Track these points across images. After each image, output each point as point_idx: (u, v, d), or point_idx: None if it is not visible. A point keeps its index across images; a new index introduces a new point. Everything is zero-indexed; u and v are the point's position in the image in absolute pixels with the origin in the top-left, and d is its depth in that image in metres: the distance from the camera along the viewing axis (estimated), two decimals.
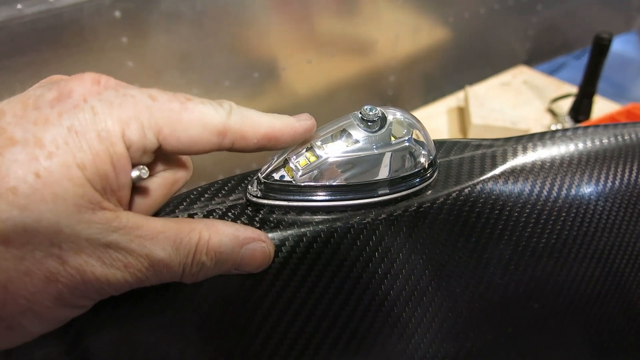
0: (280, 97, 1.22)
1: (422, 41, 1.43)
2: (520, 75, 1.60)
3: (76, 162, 0.23)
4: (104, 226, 0.24)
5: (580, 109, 1.35)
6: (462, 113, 1.41)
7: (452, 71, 1.58)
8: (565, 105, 1.42)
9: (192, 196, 0.34)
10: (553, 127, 1.35)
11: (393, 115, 0.35)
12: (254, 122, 0.28)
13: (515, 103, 1.46)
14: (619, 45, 2.71)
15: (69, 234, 0.23)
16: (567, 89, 1.50)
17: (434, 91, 1.55)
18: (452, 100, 1.47)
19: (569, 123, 1.35)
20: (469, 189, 0.36)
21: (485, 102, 1.36)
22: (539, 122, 1.39)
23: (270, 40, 1.14)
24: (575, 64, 2.33)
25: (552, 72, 2.20)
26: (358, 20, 1.27)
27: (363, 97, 1.40)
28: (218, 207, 0.33)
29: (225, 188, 0.35)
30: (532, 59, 1.83)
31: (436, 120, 1.40)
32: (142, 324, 0.30)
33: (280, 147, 0.30)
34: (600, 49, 1.27)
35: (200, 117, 0.27)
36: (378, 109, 0.34)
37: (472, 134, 1.28)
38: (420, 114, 1.42)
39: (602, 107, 1.44)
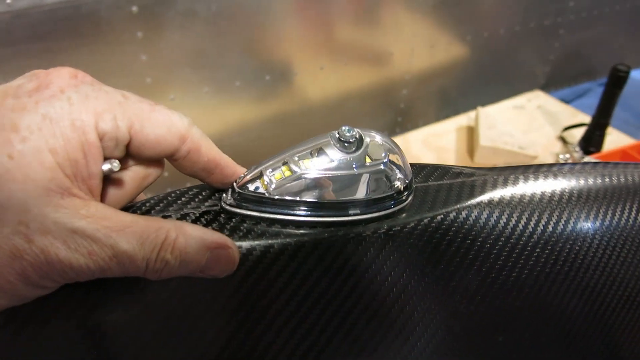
0: (290, 101, 1.23)
1: (438, 57, 1.43)
2: (536, 100, 1.59)
3: (48, 147, 0.25)
4: (71, 212, 0.25)
5: (592, 140, 1.34)
6: (471, 133, 1.41)
7: (466, 90, 1.57)
8: (578, 134, 1.41)
9: (169, 198, 0.35)
10: (561, 157, 1.35)
11: (371, 138, 0.35)
12: (209, 142, 0.31)
13: (527, 128, 1.45)
14: None
15: (37, 214, 0.24)
16: (582, 118, 1.49)
17: (446, 108, 1.55)
18: (464, 119, 1.47)
19: (578, 153, 1.34)
20: (442, 216, 0.37)
21: (496, 124, 1.36)
22: (548, 149, 1.38)
23: (284, 44, 1.15)
24: (599, 90, 2.30)
25: (575, 98, 2.18)
26: (375, 31, 1.27)
27: (374, 107, 1.40)
28: (192, 211, 0.34)
29: (202, 194, 0.35)
30: (551, 84, 1.82)
31: (445, 137, 1.40)
32: (107, 313, 0.31)
33: (219, 180, 0.33)
34: (616, 80, 1.26)
35: (167, 119, 0.29)
36: (356, 130, 0.35)
37: (479, 155, 1.28)
38: (430, 130, 1.42)
39: (615, 139, 1.43)
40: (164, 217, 0.33)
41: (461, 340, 0.39)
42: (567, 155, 1.35)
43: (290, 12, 1.10)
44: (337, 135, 0.34)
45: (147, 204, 0.34)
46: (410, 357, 0.37)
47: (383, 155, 0.35)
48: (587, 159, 1.31)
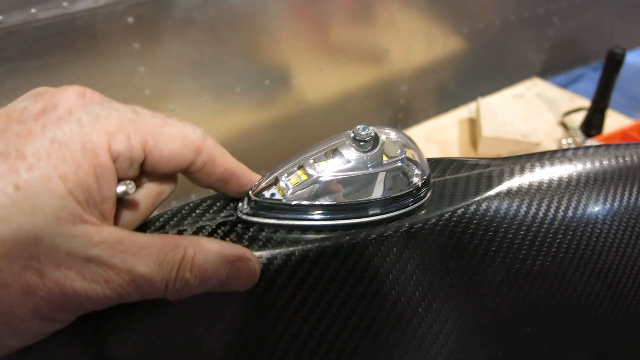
0: (291, 105, 1.23)
1: (435, 51, 1.43)
2: (534, 88, 1.59)
3: (58, 173, 0.23)
4: (84, 240, 0.24)
5: (592, 123, 1.34)
6: (473, 124, 1.41)
7: (465, 82, 1.57)
8: (578, 118, 1.40)
9: (183, 212, 0.34)
10: (564, 142, 1.34)
11: (386, 135, 0.35)
12: (224, 152, 0.30)
13: (528, 116, 1.45)
14: (638, 58, 2.68)
15: (48, 246, 0.23)
16: (581, 102, 1.49)
17: (446, 102, 1.54)
18: (464, 112, 1.47)
19: (580, 137, 1.34)
20: (463, 209, 0.36)
21: (497, 114, 1.35)
22: (551, 135, 1.38)
23: (283, 48, 1.14)
24: (593, 75, 2.30)
25: (569, 84, 2.17)
26: (371, 29, 1.27)
27: (374, 106, 1.40)
28: (208, 223, 0.33)
29: (217, 204, 0.35)
30: (547, 71, 1.82)
31: (447, 131, 1.40)
32: (127, 340, 0.30)
33: (235, 190, 0.32)
34: (613, 63, 1.26)
35: (180, 133, 0.28)
36: (371, 128, 0.34)
37: (483, 146, 1.27)
38: (432, 124, 1.42)
39: (615, 121, 1.42)
40: (179, 231, 0.32)
41: (490, 333, 0.38)
42: (570, 140, 1.34)
43: (286, 15, 1.10)
44: (352, 135, 0.34)
45: (161, 219, 0.33)
46: (441, 355, 0.37)
47: (399, 152, 0.34)
48: (589, 142, 1.31)
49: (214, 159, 0.30)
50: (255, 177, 0.33)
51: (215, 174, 0.30)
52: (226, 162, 0.30)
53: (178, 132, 0.28)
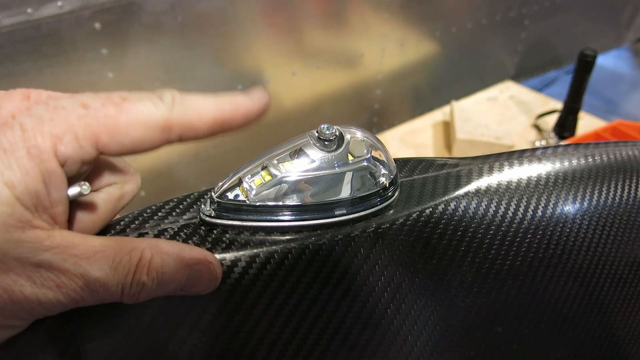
0: None
1: (408, 55, 1.43)
2: (507, 90, 1.60)
3: (4, 180, 0.23)
4: (34, 245, 0.23)
5: (565, 125, 1.35)
6: (447, 127, 1.41)
7: (439, 85, 1.58)
8: (551, 121, 1.42)
9: (145, 215, 0.33)
10: (537, 144, 1.36)
11: (352, 134, 0.34)
12: (200, 110, 0.26)
13: (501, 118, 1.46)
14: (610, 61, 2.73)
15: None
16: (554, 105, 1.50)
17: (421, 105, 1.55)
18: (439, 115, 1.47)
19: (553, 139, 1.35)
20: (431, 209, 0.36)
21: (471, 116, 1.36)
22: (524, 137, 1.39)
23: (255, 52, 1.13)
24: (566, 78, 2.34)
25: (543, 87, 2.20)
26: (344, 33, 1.27)
27: (349, 110, 1.40)
28: (170, 226, 0.32)
29: (180, 207, 0.34)
30: (521, 74, 1.84)
31: (422, 134, 1.40)
32: (85, 346, 0.29)
33: (236, 129, 0.28)
34: (584, 65, 1.28)
35: (139, 117, 0.25)
36: (335, 127, 0.33)
37: (457, 149, 1.28)
38: (406, 127, 1.42)
39: (588, 123, 1.44)
40: (140, 234, 0.31)
41: (460, 334, 0.38)
42: (543, 142, 1.36)
43: (257, 20, 1.09)
44: (317, 134, 0.33)
45: (122, 223, 0.32)
46: (412, 357, 0.36)
47: (365, 151, 0.34)
48: (563, 144, 1.32)
49: (190, 126, 0.26)
50: (251, 107, 0.28)
51: (200, 135, 0.27)
52: (207, 120, 0.27)
53: (136, 117, 0.25)
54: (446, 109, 1.48)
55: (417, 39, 1.42)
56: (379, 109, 1.46)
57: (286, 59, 1.18)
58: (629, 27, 2.21)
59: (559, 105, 1.47)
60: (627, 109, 2.53)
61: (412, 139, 1.37)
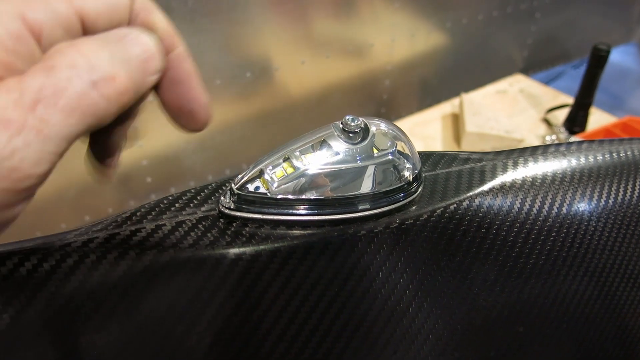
0: (272, 97, 1.20)
1: (418, 46, 1.41)
2: (517, 84, 1.58)
3: None
4: None
5: (576, 121, 1.34)
6: (456, 120, 1.40)
7: (448, 77, 1.56)
8: (561, 115, 1.41)
9: (162, 205, 0.32)
10: (547, 138, 1.34)
11: (376, 126, 0.33)
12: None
13: (511, 112, 1.45)
14: (618, 56, 2.71)
15: None
16: (564, 99, 1.49)
17: (429, 97, 1.53)
18: (447, 107, 1.46)
19: (563, 134, 1.34)
20: (455, 205, 0.35)
21: (480, 109, 1.34)
22: (534, 132, 1.38)
23: (264, 40, 1.12)
24: (573, 73, 2.32)
25: (549, 81, 2.18)
26: (354, 23, 1.25)
27: (357, 100, 1.38)
28: (188, 218, 0.31)
29: (198, 198, 0.33)
30: (530, 68, 1.82)
31: (430, 126, 1.39)
32: (99, 340, 0.28)
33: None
34: (597, 60, 1.26)
35: None
36: (360, 119, 0.32)
37: (466, 142, 1.27)
38: (415, 119, 1.41)
39: (598, 118, 1.43)
40: (158, 226, 0.30)
41: (482, 334, 0.37)
42: (553, 137, 1.34)
43: (268, 7, 1.08)
44: (341, 126, 0.32)
45: (138, 213, 0.31)
46: (432, 356, 0.35)
47: (390, 144, 0.33)
48: (573, 139, 1.31)
49: (147, 9, 0.27)
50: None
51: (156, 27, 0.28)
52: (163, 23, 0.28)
53: None
54: (455, 101, 1.46)
55: (428, 30, 1.40)
56: (387, 100, 1.44)
57: (295, 47, 1.17)
58: (639, 23, 2.19)
59: (569, 99, 1.45)
60: (634, 105, 2.51)
61: (420, 131, 1.36)
